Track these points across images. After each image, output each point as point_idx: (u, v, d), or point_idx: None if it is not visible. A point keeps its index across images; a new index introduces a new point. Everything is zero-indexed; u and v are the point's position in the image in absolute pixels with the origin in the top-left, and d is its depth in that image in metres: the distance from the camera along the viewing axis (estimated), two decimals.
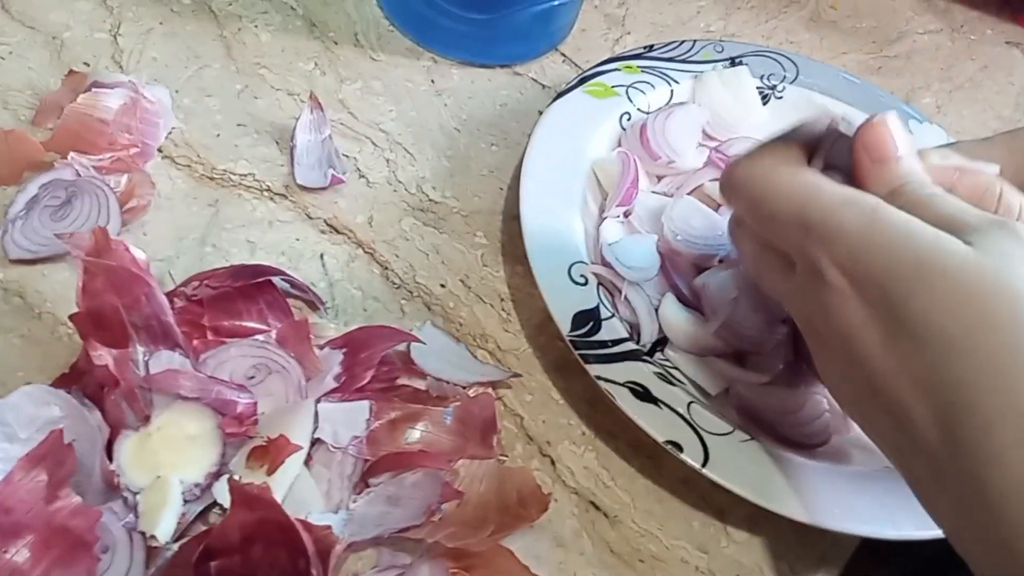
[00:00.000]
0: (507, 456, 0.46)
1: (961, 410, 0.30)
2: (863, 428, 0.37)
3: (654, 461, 0.47)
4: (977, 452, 0.30)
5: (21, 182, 0.49)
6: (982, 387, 0.30)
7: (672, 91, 0.59)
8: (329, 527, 0.37)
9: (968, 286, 0.31)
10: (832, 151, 0.38)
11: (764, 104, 0.60)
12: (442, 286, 0.52)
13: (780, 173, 0.37)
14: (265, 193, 0.53)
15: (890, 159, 0.36)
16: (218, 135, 0.55)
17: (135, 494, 0.39)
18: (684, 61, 0.61)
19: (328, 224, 0.53)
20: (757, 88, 0.60)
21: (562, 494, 0.45)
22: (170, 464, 0.40)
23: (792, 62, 0.63)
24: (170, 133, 0.54)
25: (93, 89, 0.51)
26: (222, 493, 0.39)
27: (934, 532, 0.43)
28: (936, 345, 0.31)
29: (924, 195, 0.35)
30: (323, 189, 0.54)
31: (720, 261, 0.50)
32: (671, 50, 0.61)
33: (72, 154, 0.49)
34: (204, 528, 0.40)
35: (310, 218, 0.53)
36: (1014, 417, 0.29)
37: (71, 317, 0.40)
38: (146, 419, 0.40)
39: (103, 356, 0.40)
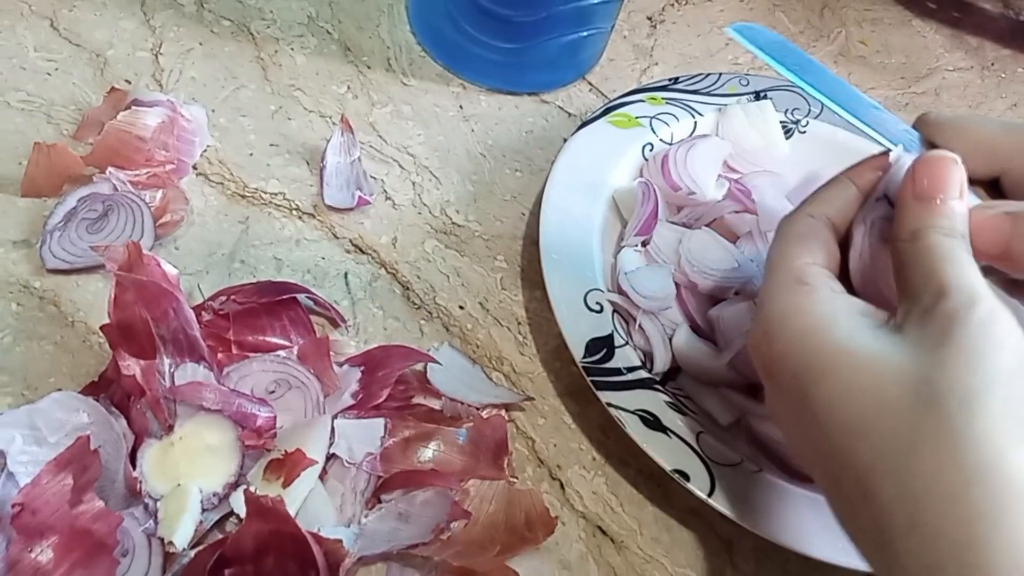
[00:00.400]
0: (517, 478, 0.47)
1: (861, 495, 0.31)
2: None
3: (663, 489, 0.48)
4: (881, 536, 0.30)
5: (61, 194, 0.51)
6: (880, 471, 0.30)
7: (696, 123, 0.60)
8: (340, 540, 0.38)
9: (875, 374, 0.31)
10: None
11: (787, 138, 0.61)
12: (461, 308, 0.53)
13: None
14: (294, 212, 0.55)
15: (932, 199, 0.35)
16: (251, 154, 0.57)
17: (156, 500, 0.41)
18: (709, 94, 0.62)
19: (353, 244, 0.54)
20: (780, 122, 0.61)
21: (570, 518, 0.46)
22: (190, 473, 0.41)
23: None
24: (205, 151, 0.56)
25: (133, 107, 0.53)
26: (239, 503, 0.41)
27: None
28: (837, 429, 0.32)
29: (944, 243, 0.34)
30: (350, 210, 0.55)
31: (736, 293, 0.51)
32: (696, 82, 0.62)
33: (110, 169, 0.51)
34: (220, 536, 0.41)
35: (336, 237, 0.54)
36: (910, 502, 0.29)
37: (102, 328, 0.42)
38: (169, 428, 0.42)
39: (131, 366, 0.41)
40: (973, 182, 0.38)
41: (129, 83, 0.58)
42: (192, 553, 0.40)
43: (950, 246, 0.34)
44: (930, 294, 0.32)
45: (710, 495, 0.43)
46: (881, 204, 0.38)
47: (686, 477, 0.43)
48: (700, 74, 0.63)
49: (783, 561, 0.46)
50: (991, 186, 0.40)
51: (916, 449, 0.30)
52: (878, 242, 0.38)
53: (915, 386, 0.30)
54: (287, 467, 0.41)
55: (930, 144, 0.40)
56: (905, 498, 0.29)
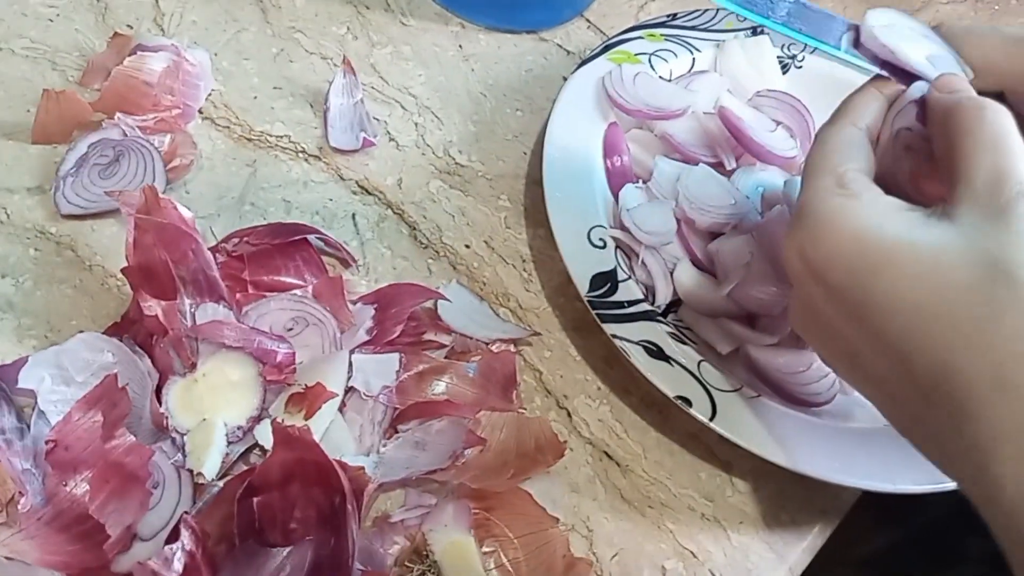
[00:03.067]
0: (526, 409, 0.49)
1: (938, 373, 0.32)
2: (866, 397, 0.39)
3: (665, 416, 0.50)
4: (962, 407, 0.31)
5: (71, 141, 0.52)
6: (959, 345, 0.32)
7: (694, 59, 0.61)
8: (362, 468, 0.40)
9: (937, 261, 0.33)
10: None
11: (784, 73, 0.62)
12: (467, 247, 0.54)
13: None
14: (300, 155, 0.55)
15: (957, 90, 0.37)
16: (255, 97, 0.57)
17: (182, 435, 0.42)
18: (707, 30, 0.62)
19: (359, 185, 0.55)
20: (777, 58, 0.62)
21: (577, 444, 0.48)
22: (215, 408, 0.43)
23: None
24: (210, 95, 0.56)
25: (138, 52, 0.53)
26: (263, 435, 0.42)
27: (930, 487, 0.46)
28: (904, 314, 0.33)
29: (985, 118, 0.35)
30: (355, 151, 0.56)
31: (733, 228, 0.52)
32: (694, 18, 0.62)
33: (118, 114, 0.52)
34: (245, 468, 0.43)
35: (342, 179, 0.55)
36: (994, 367, 0.31)
37: (123, 270, 0.43)
38: (192, 366, 0.43)
39: (153, 307, 0.43)
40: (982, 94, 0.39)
41: (131, 28, 0.58)
42: (221, 483, 0.42)
43: (992, 123, 0.35)
44: (983, 179, 0.34)
45: (711, 419, 0.45)
46: (905, 114, 0.40)
47: (688, 403, 0.45)
48: (698, 10, 0.63)
49: (780, 481, 0.49)
50: (998, 97, 0.41)
51: (995, 319, 0.31)
52: (902, 150, 0.40)
53: (984, 265, 0.32)
54: (308, 400, 0.43)
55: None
56: (988, 364, 0.31)
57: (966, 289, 0.32)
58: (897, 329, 0.33)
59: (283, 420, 0.41)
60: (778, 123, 0.57)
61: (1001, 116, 0.35)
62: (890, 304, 0.33)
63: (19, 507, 0.39)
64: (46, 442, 0.40)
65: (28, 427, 0.42)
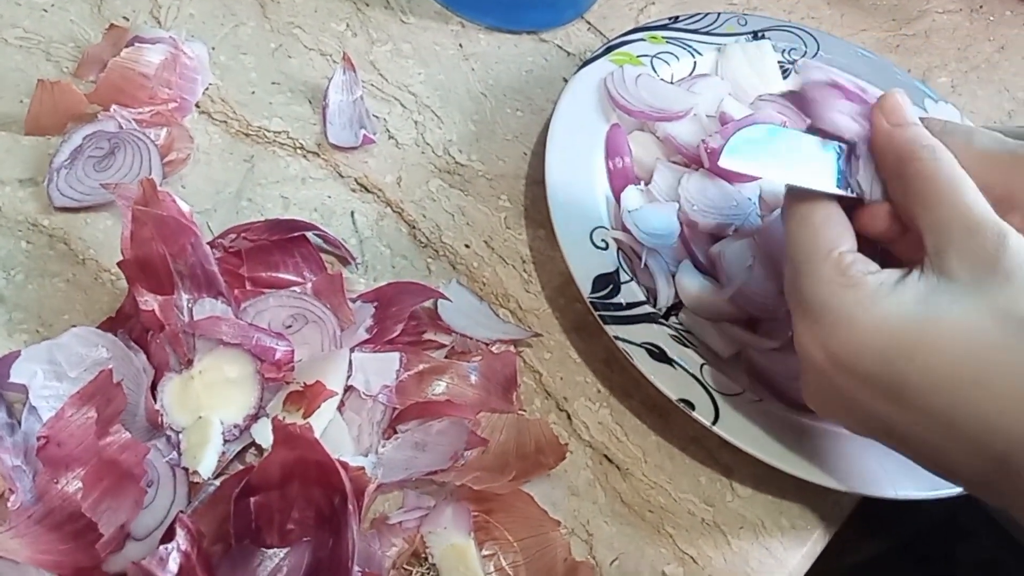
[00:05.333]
0: (526, 411, 0.48)
1: (988, 445, 0.34)
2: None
3: (665, 419, 0.49)
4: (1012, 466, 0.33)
5: (65, 132, 0.51)
6: (1001, 410, 0.33)
7: (695, 63, 0.61)
8: (363, 468, 0.39)
9: (964, 327, 0.34)
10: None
11: (784, 78, 0.62)
12: (467, 246, 0.54)
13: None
14: (298, 150, 0.55)
15: (907, 123, 0.38)
16: (253, 92, 0.56)
17: (178, 433, 0.42)
18: (708, 33, 0.62)
19: (358, 183, 0.54)
20: (778, 63, 0.62)
21: (577, 447, 0.48)
22: (211, 405, 0.42)
23: (813, 38, 0.64)
24: (207, 89, 0.56)
25: (136, 43, 0.52)
26: (260, 434, 0.42)
27: (931, 493, 0.46)
28: (946, 389, 0.34)
29: (943, 169, 0.36)
30: (354, 148, 0.55)
31: (735, 231, 0.52)
32: (695, 21, 0.62)
33: (114, 106, 0.51)
34: (242, 467, 0.43)
35: (341, 176, 0.54)
36: None
37: (119, 264, 0.43)
38: (189, 362, 0.42)
39: (149, 302, 0.42)
40: None
41: (127, 20, 0.57)
42: (217, 482, 0.41)
43: (950, 173, 0.36)
44: (959, 232, 0.35)
45: (714, 423, 0.45)
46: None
47: (691, 406, 0.45)
48: (699, 13, 0.63)
49: (780, 487, 0.48)
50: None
51: None
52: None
53: (1003, 322, 0.33)
54: (307, 398, 0.42)
55: None
56: None
57: (995, 350, 0.33)
58: (943, 405, 0.34)
59: (284, 418, 0.40)
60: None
61: (949, 156, 0.36)
62: (930, 383, 0.34)
63: (9, 505, 0.38)
64: (38, 438, 0.39)
65: (19, 423, 0.41)
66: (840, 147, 0.40)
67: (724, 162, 0.39)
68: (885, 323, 0.35)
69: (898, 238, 0.39)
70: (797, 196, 0.40)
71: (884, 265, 0.37)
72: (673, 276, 0.51)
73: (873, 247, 0.40)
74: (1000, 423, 0.33)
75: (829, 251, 0.37)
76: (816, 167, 0.39)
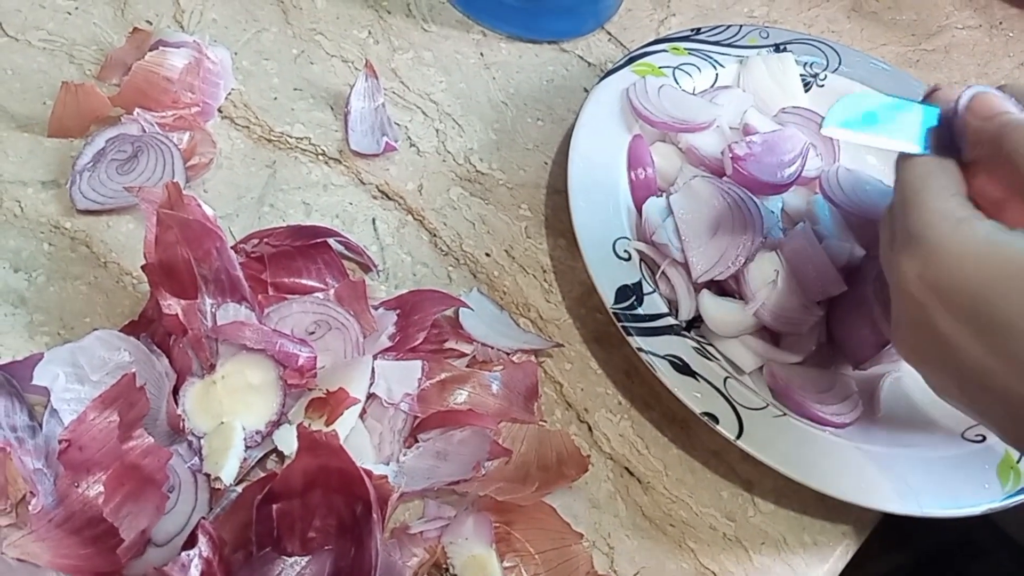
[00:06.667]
0: (547, 421, 0.48)
1: None
2: (977, 418, 0.39)
3: (686, 432, 0.49)
4: None
5: (88, 135, 0.51)
6: None
7: (717, 75, 0.60)
8: (385, 476, 0.39)
9: None
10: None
11: (806, 91, 0.62)
12: (487, 255, 0.53)
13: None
14: (320, 157, 0.55)
15: (996, 114, 0.37)
16: (275, 98, 0.56)
17: (199, 438, 0.41)
18: (730, 45, 0.62)
19: (380, 190, 0.54)
20: (800, 75, 0.61)
21: (598, 459, 0.47)
22: (233, 411, 0.42)
23: (834, 51, 0.64)
24: (229, 94, 0.56)
25: (159, 47, 0.52)
26: (282, 440, 0.41)
27: (954, 511, 0.45)
28: None
29: None
30: (375, 156, 0.55)
31: (759, 245, 0.52)
32: (718, 34, 0.62)
33: (137, 110, 0.51)
34: (263, 474, 0.42)
35: (363, 183, 0.54)
36: None
37: (143, 267, 0.42)
38: (211, 367, 0.42)
39: (172, 306, 0.42)
40: None
41: (150, 24, 0.57)
42: (239, 488, 0.40)
43: None
44: None
45: (738, 437, 0.44)
46: None
47: (715, 420, 0.45)
48: (721, 25, 0.63)
49: (801, 502, 0.48)
50: None
51: None
52: None
53: None
54: (330, 405, 0.42)
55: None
56: None
57: None
58: None
59: (309, 425, 0.40)
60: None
61: None
62: (1019, 324, 0.33)
63: (30, 508, 0.38)
64: (59, 441, 0.39)
65: (40, 425, 0.41)
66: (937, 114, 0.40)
67: (826, 130, 0.39)
68: (991, 259, 0.34)
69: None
70: (910, 156, 0.39)
71: None
72: (695, 288, 0.51)
73: None
74: None
75: (943, 189, 0.37)
76: (912, 131, 0.39)
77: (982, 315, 0.34)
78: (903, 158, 0.39)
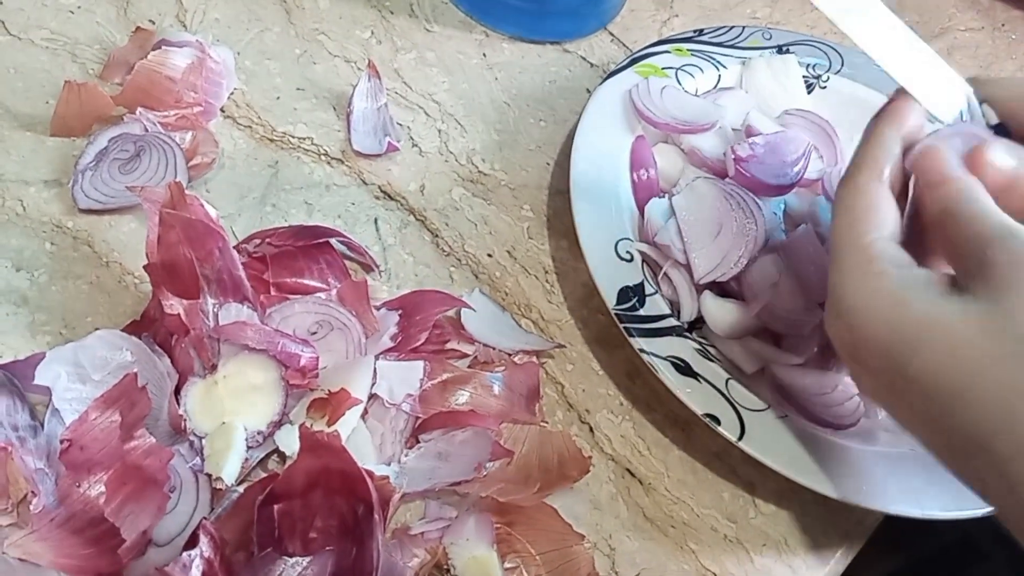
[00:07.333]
0: (548, 422, 0.48)
1: (976, 455, 0.33)
2: None
3: (688, 434, 0.49)
4: (1002, 481, 0.32)
5: (90, 134, 0.51)
6: (992, 427, 0.32)
7: (720, 76, 0.60)
8: (387, 477, 0.39)
9: (963, 336, 0.33)
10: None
11: (809, 93, 0.61)
12: (489, 256, 0.53)
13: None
14: (323, 157, 0.55)
15: (939, 184, 0.37)
16: (278, 98, 0.56)
17: (201, 438, 0.41)
18: (733, 46, 0.62)
19: (382, 190, 0.54)
20: (803, 77, 0.61)
21: (600, 460, 0.47)
22: (235, 411, 0.42)
23: (837, 53, 0.64)
24: (232, 94, 0.56)
25: (162, 47, 0.52)
26: (284, 441, 0.41)
27: (956, 512, 0.45)
28: (940, 395, 0.33)
29: (967, 209, 0.36)
30: (378, 156, 0.55)
31: (761, 248, 0.52)
32: (720, 35, 0.62)
33: (140, 109, 0.51)
34: (264, 475, 0.42)
35: (365, 184, 0.54)
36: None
37: (145, 267, 0.42)
38: (213, 367, 0.42)
39: (174, 306, 0.42)
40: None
41: (153, 23, 0.57)
42: (240, 489, 0.40)
43: (977, 208, 0.35)
44: (975, 251, 0.34)
45: (740, 439, 0.44)
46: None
47: (717, 421, 0.44)
48: (724, 27, 0.63)
49: (803, 504, 0.48)
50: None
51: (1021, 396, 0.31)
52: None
53: (1001, 338, 0.32)
54: (332, 406, 0.42)
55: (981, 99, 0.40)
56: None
57: (991, 367, 0.32)
58: (936, 408, 0.33)
59: (311, 425, 0.40)
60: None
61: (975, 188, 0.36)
62: (927, 385, 0.34)
63: (31, 507, 0.38)
64: (61, 441, 0.39)
65: (41, 425, 0.41)
66: None
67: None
68: (895, 314, 0.34)
69: None
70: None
71: None
72: (696, 289, 0.51)
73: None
74: (988, 431, 0.32)
75: (861, 238, 0.37)
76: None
77: (892, 379, 0.35)
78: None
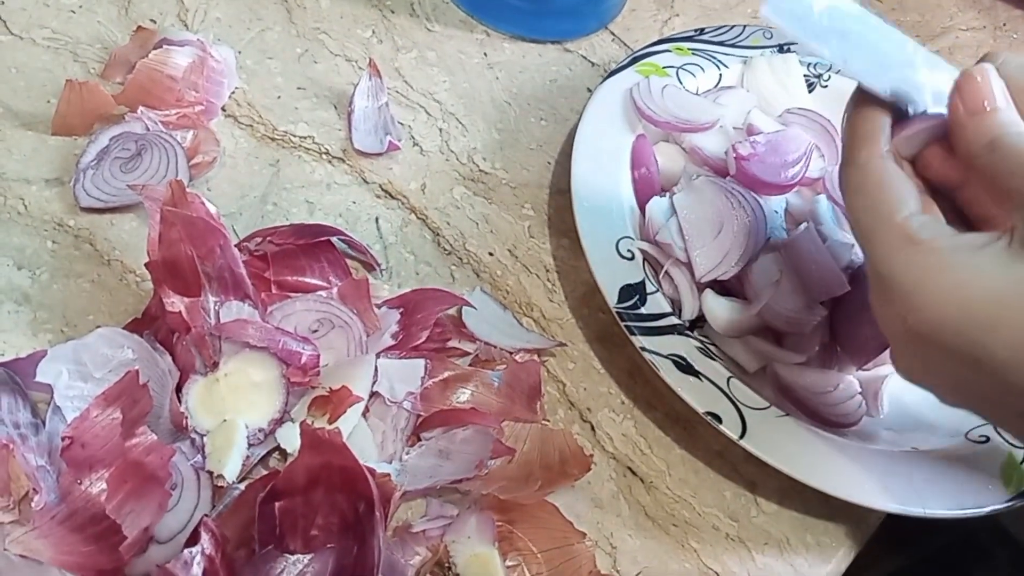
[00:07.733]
0: (549, 420, 0.48)
1: None
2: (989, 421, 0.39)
3: (689, 432, 0.49)
4: None
5: (92, 133, 0.51)
6: None
7: (721, 75, 0.60)
8: (388, 475, 0.39)
9: None
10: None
11: (810, 92, 0.61)
12: (490, 254, 0.53)
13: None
14: (324, 156, 0.55)
15: (984, 111, 0.34)
16: (279, 97, 0.56)
17: (202, 436, 0.41)
18: (734, 45, 0.62)
19: (383, 189, 0.54)
20: (804, 76, 0.61)
21: (601, 458, 0.47)
22: (236, 409, 0.42)
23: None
24: (233, 93, 0.56)
25: (163, 46, 0.52)
26: (285, 438, 0.41)
27: (958, 512, 0.45)
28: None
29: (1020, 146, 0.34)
30: (379, 155, 0.55)
31: (763, 246, 0.52)
32: (722, 34, 0.62)
33: (141, 108, 0.51)
34: (265, 472, 0.42)
35: (366, 182, 0.54)
36: None
37: (147, 265, 0.42)
38: (214, 365, 0.42)
39: (176, 303, 0.42)
40: None
41: (154, 22, 0.57)
42: (241, 486, 0.40)
43: None
44: None
45: (741, 437, 0.44)
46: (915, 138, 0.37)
47: (719, 420, 0.44)
48: (725, 26, 0.63)
49: (805, 502, 0.48)
50: None
51: None
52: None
53: None
54: (333, 403, 0.42)
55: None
56: None
57: None
58: (1021, 388, 0.32)
59: (312, 423, 0.40)
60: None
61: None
62: (1013, 358, 0.32)
63: (32, 504, 0.38)
64: (62, 438, 0.39)
65: (43, 422, 0.41)
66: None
67: (765, 10, 0.35)
68: (962, 291, 0.32)
69: (963, 184, 0.37)
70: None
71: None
72: (698, 288, 0.51)
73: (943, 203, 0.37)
74: None
75: (892, 217, 0.34)
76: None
77: (966, 350, 0.33)
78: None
